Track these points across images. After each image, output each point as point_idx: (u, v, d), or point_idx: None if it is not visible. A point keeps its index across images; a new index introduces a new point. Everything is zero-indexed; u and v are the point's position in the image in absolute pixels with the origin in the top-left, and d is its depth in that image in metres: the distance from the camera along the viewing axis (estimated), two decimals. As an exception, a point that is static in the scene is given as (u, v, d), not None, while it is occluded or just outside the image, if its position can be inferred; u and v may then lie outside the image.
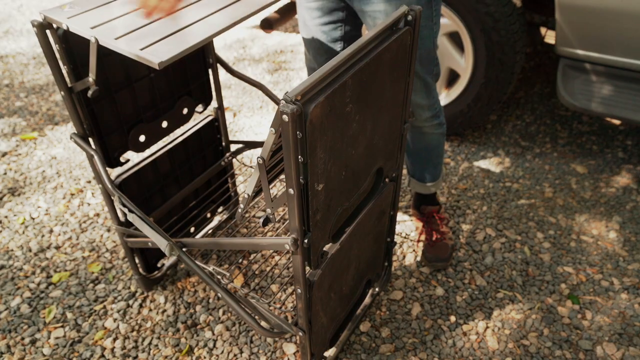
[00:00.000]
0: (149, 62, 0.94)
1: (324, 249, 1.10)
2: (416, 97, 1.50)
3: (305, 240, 0.97)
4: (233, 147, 1.85)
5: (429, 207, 1.85)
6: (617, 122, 2.51)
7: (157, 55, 0.95)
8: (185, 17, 1.10)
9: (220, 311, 1.63)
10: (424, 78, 1.45)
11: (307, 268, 1.08)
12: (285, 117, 0.79)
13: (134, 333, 1.58)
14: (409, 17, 1.07)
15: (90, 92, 1.18)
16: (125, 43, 0.99)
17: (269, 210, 0.99)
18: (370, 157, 1.14)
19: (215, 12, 1.13)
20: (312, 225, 0.97)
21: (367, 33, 0.99)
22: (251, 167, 2.00)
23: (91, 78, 1.13)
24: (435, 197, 1.87)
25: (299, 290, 1.09)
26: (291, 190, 0.89)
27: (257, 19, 3.87)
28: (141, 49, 0.97)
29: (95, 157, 1.27)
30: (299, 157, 0.85)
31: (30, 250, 1.88)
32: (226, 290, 1.25)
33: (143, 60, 0.95)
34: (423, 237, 1.83)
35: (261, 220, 1.01)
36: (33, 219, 2.03)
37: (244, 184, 2.18)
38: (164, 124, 1.52)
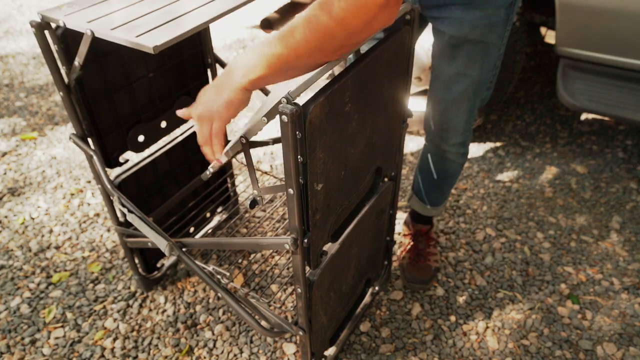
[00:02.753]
0: (144, 48, 0.94)
1: (324, 248, 1.10)
2: (456, 119, 1.37)
3: (305, 240, 0.97)
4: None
5: (420, 225, 1.79)
6: (617, 121, 2.50)
7: (152, 40, 0.95)
8: (181, 7, 1.11)
9: (220, 311, 1.63)
10: (473, 100, 1.34)
11: (307, 267, 1.08)
12: (284, 118, 0.79)
13: (134, 333, 1.58)
14: (407, 17, 1.07)
15: (74, 76, 1.17)
16: (121, 32, 0.99)
17: (255, 192, 0.97)
18: (369, 157, 1.14)
19: (211, 1, 1.14)
20: (311, 225, 0.97)
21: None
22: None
23: (77, 62, 1.13)
24: (430, 218, 1.80)
25: (299, 290, 1.09)
26: (291, 190, 0.89)
27: (257, 18, 3.87)
28: (136, 37, 0.97)
29: (95, 158, 1.27)
30: (299, 157, 0.85)
31: (30, 250, 1.88)
32: (226, 290, 1.25)
33: (138, 46, 0.95)
34: (407, 255, 1.75)
35: (248, 202, 0.98)
36: (33, 219, 2.03)
37: (243, 183, 2.18)
38: (163, 124, 1.52)
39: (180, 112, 0.99)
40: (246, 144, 0.91)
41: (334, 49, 0.82)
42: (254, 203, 1.00)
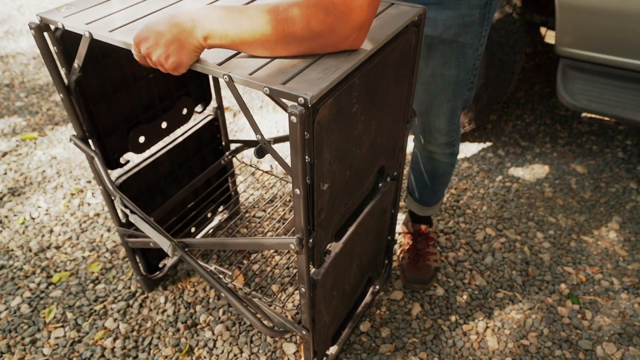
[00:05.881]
0: None
1: (327, 247, 1.10)
2: (437, 120, 1.38)
3: (310, 240, 0.97)
4: (233, 147, 1.85)
5: (419, 224, 1.79)
6: (617, 121, 2.51)
7: None
8: (180, 8, 1.11)
9: (220, 311, 1.63)
10: (453, 101, 1.33)
11: (311, 267, 1.08)
12: (293, 118, 0.79)
13: (134, 333, 1.58)
14: (415, 18, 1.07)
15: (73, 78, 1.17)
16: (119, 34, 0.99)
17: (259, 137, 0.90)
18: (373, 156, 1.14)
19: (212, 2, 1.13)
20: (316, 225, 0.97)
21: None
22: (251, 166, 2.00)
23: (76, 64, 1.13)
24: (428, 217, 1.79)
25: (302, 289, 1.09)
26: (297, 190, 0.89)
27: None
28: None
29: (96, 159, 1.27)
30: (306, 157, 0.85)
31: (30, 250, 1.87)
32: (229, 289, 1.24)
33: None
34: (407, 255, 1.75)
35: (255, 151, 0.94)
36: (33, 219, 2.02)
37: (244, 183, 2.18)
38: (164, 125, 1.52)
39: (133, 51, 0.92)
40: (230, 82, 0.87)
41: (299, 52, 0.88)
42: (260, 151, 0.93)
